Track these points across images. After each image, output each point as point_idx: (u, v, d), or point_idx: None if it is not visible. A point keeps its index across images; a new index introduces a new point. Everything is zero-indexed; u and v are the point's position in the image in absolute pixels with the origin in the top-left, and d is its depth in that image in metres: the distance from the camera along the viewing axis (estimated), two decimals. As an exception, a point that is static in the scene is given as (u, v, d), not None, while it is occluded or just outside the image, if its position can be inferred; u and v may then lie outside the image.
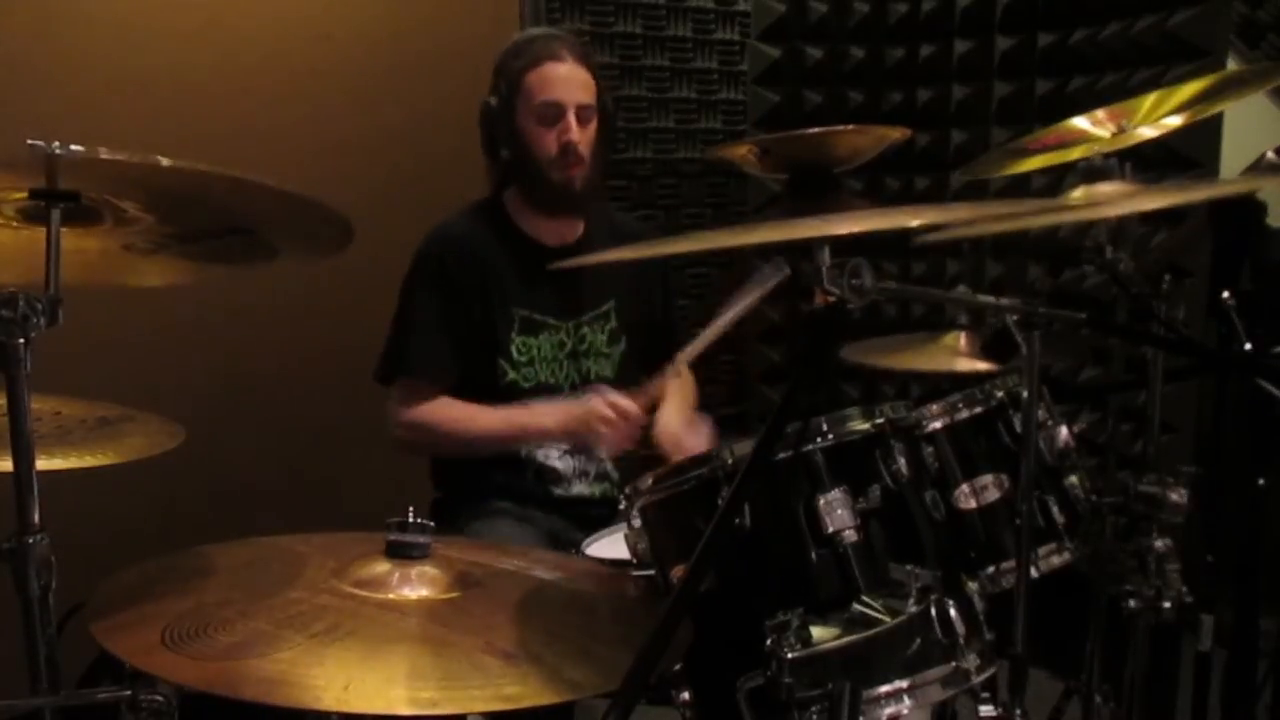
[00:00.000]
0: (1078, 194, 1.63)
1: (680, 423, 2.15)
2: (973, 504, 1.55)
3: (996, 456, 1.58)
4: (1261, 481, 1.56)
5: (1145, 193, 1.69)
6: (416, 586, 1.31)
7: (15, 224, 1.30)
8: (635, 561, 1.48)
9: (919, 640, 1.28)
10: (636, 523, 1.46)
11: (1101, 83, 2.89)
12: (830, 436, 1.37)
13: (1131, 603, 1.66)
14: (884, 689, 1.25)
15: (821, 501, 1.33)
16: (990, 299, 1.47)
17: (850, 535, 1.33)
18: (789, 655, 1.23)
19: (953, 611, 1.28)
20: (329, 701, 1.06)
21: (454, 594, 1.32)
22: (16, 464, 1.21)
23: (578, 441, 2.03)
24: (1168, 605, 1.63)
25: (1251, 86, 1.81)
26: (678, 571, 1.41)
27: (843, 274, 1.14)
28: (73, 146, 1.10)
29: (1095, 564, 1.68)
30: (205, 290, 2.15)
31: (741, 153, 2.83)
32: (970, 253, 2.75)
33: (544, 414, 2.06)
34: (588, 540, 1.89)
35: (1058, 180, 2.18)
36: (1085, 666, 1.82)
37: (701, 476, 1.38)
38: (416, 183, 2.77)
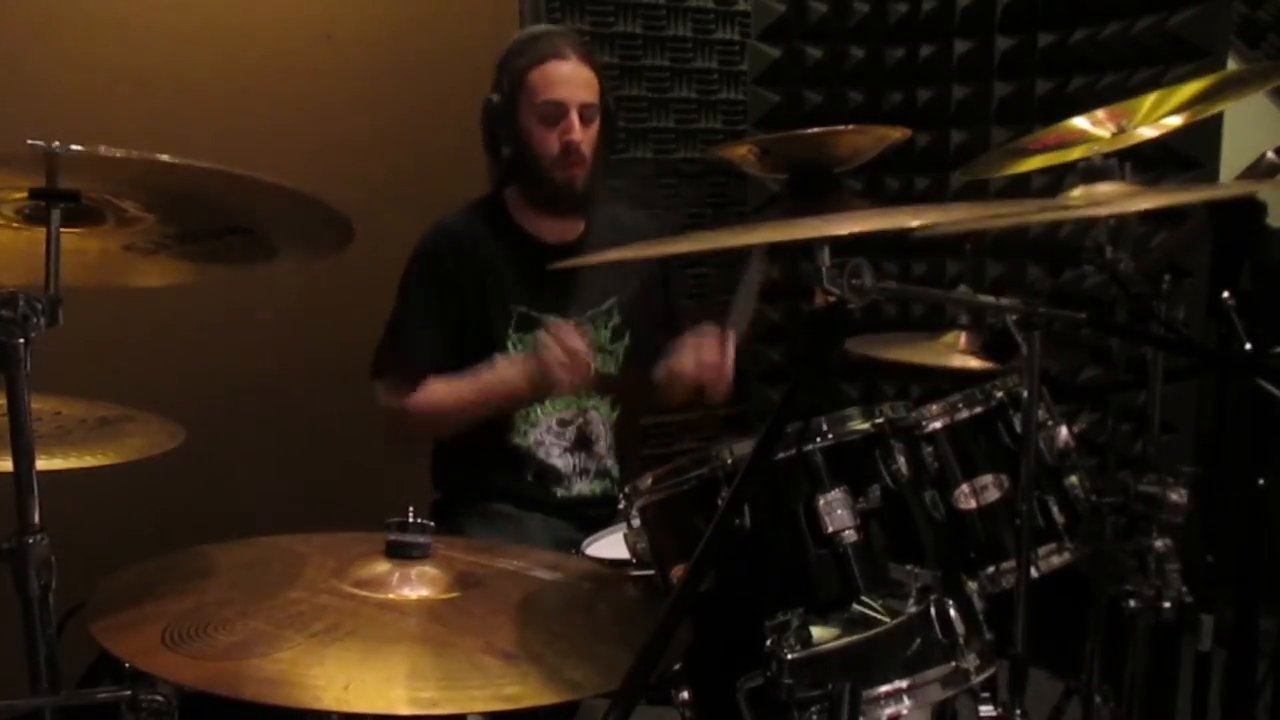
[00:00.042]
0: (1078, 194, 1.63)
1: (689, 349, 2.11)
2: (973, 504, 1.55)
3: (996, 456, 1.58)
4: (1261, 481, 1.56)
5: (1145, 193, 1.69)
6: (416, 586, 1.31)
7: (15, 224, 1.30)
8: (635, 561, 1.48)
9: (919, 640, 1.28)
10: (636, 523, 1.46)
11: (1101, 83, 2.89)
12: (830, 436, 1.37)
13: (1131, 603, 1.66)
14: (884, 689, 1.25)
15: (821, 501, 1.33)
16: (990, 299, 1.47)
17: (850, 535, 1.33)
18: (789, 655, 1.23)
19: (953, 611, 1.28)
20: (329, 701, 1.06)
21: (454, 594, 1.32)
22: (16, 464, 1.21)
23: (541, 389, 2.01)
24: (1168, 605, 1.62)
25: (1251, 86, 1.81)
26: (678, 571, 1.41)
27: (843, 274, 1.14)
28: (73, 146, 1.10)
29: (1095, 564, 1.68)
30: (205, 290, 2.15)
31: (741, 153, 2.82)
32: (970, 253, 2.75)
33: (504, 368, 2.04)
34: (588, 540, 1.89)
35: (1058, 180, 2.18)
36: (1085, 666, 1.82)
37: (701, 476, 1.38)
38: (417, 182, 2.76)
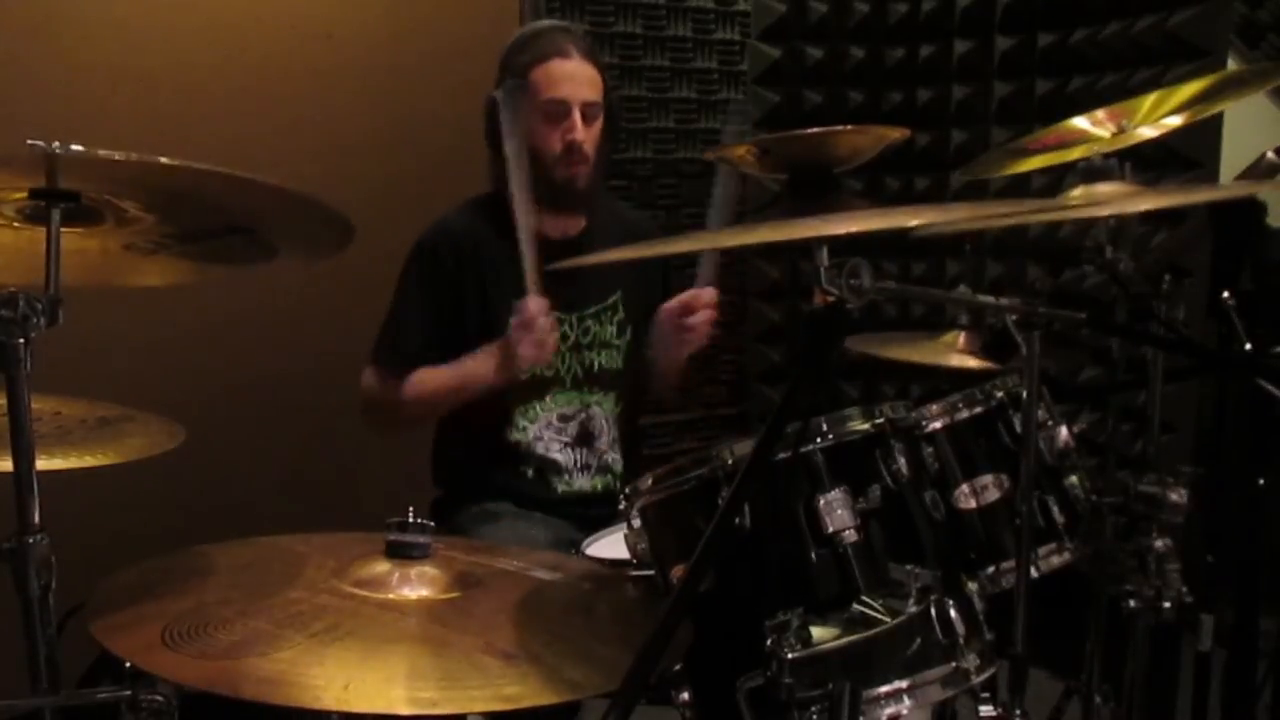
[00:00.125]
0: (1078, 194, 1.63)
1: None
2: (973, 504, 1.55)
3: (996, 456, 1.58)
4: (1261, 481, 1.56)
5: (1145, 193, 1.69)
6: (416, 586, 1.31)
7: (15, 224, 1.30)
8: (635, 561, 1.48)
9: (919, 640, 1.28)
10: (636, 523, 1.46)
11: (1101, 83, 2.89)
12: (830, 436, 1.37)
13: (1131, 603, 1.66)
14: (884, 689, 1.25)
15: (821, 501, 1.33)
16: (990, 299, 1.47)
17: (850, 535, 1.33)
18: (789, 655, 1.23)
19: (953, 611, 1.28)
20: (329, 701, 1.06)
21: (454, 594, 1.32)
22: (16, 464, 1.21)
23: (505, 366, 2.01)
24: (1168, 605, 1.62)
25: (1251, 86, 1.81)
26: (678, 571, 1.41)
27: (841, 274, 1.13)
28: (73, 146, 1.10)
29: (1095, 564, 1.68)
30: (205, 290, 2.15)
31: (741, 153, 2.83)
32: (970, 253, 2.75)
33: (481, 352, 2.05)
34: (588, 540, 1.89)
35: (1058, 180, 2.17)
36: (1085, 666, 1.82)
37: (701, 476, 1.38)
38: (417, 182, 2.77)
